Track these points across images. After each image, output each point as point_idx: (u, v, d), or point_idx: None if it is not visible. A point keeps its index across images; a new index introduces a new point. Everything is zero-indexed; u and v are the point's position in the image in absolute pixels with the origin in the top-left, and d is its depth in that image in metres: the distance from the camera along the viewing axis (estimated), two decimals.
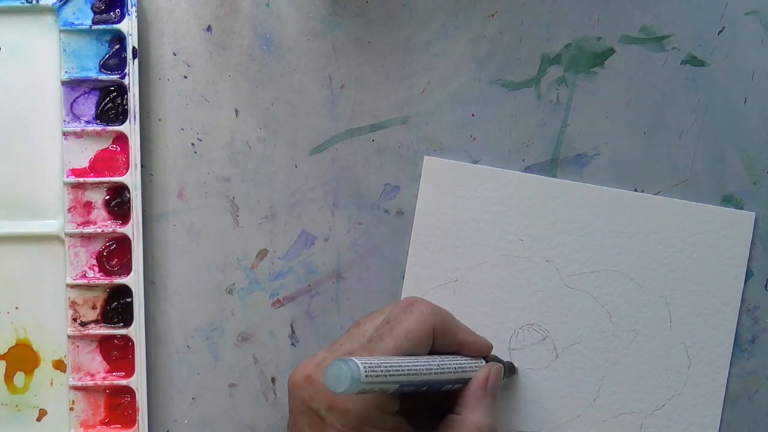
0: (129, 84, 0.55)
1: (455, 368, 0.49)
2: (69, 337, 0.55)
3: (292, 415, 0.48)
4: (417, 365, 0.46)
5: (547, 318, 0.55)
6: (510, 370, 0.54)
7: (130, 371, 0.55)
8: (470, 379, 0.50)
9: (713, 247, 0.55)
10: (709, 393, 0.54)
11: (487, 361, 0.51)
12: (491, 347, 0.52)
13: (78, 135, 0.56)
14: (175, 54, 0.57)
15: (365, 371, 0.42)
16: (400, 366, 0.45)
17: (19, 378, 0.56)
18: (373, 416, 0.46)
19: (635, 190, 0.55)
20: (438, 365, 0.47)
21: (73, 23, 0.56)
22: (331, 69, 0.56)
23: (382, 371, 0.43)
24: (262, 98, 0.56)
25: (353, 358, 0.42)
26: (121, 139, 0.56)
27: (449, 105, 0.56)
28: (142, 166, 0.56)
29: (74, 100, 0.56)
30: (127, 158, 0.55)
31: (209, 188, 0.56)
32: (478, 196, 0.56)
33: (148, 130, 0.56)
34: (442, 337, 0.49)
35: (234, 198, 0.56)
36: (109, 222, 0.56)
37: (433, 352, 0.49)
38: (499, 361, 0.52)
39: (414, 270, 0.56)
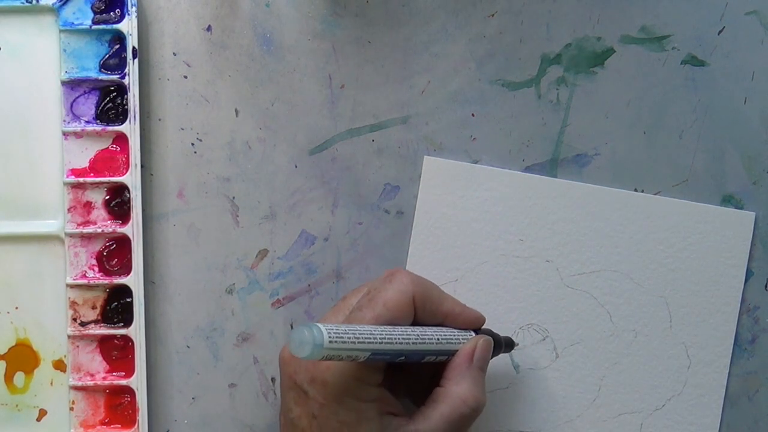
0: (129, 84, 0.55)
1: (438, 339, 0.48)
2: (69, 337, 0.55)
3: (282, 393, 0.49)
4: (392, 334, 0.46)
5: (547, 318, 0.55)
6: (508, 345, 0.53)
7: (130, 371, 0.55)
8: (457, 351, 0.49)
9: (713, 247, 0.55)
10: (709, 393, 0.54)
11: (477, 333, 0.51)
12: (483, 320, 0.51)
13: (78, 135, 0.56)
14: (175, 54, 0.57)
15: (329, 337, 0.42)
16: (371, 334, 0.44)
17: (19, 378, 0.56)
18: (352, 387, 0.46)
19: (635, 190, 0.55)
20: (417, 335, 0.47)
21: (73, 23, 0.56)
22: (331, 69, 0.56)
23: (348, 338, 0.43)
24: (262, 98, 0.56)
25: (317, 324, 0.42)
26: (121, 139, 0.56)
27: (449, 105, 0.56)
28: (142, 166, 0.56)
29: (74, 100, 0.56)
30: (127, 158, 0.55)
31: (209, 188, 0.56)
32: (478, 196, 0.56)
33: (148, 130, 0.56)
34: (424, 308, 0.49)
35: (234, 198, 0.56)
36: (109, 222, 0.56)
37: (417, 322, 0.49)
38: (493, 334, 0.52)
39: (414, 270, 0.56)
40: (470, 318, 0.51)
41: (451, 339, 0.49)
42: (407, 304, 0.48)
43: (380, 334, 0.45)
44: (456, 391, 0.48)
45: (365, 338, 0.44)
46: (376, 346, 0.45)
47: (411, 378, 0.50)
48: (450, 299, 0.51)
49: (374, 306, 0.47)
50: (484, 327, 0.52)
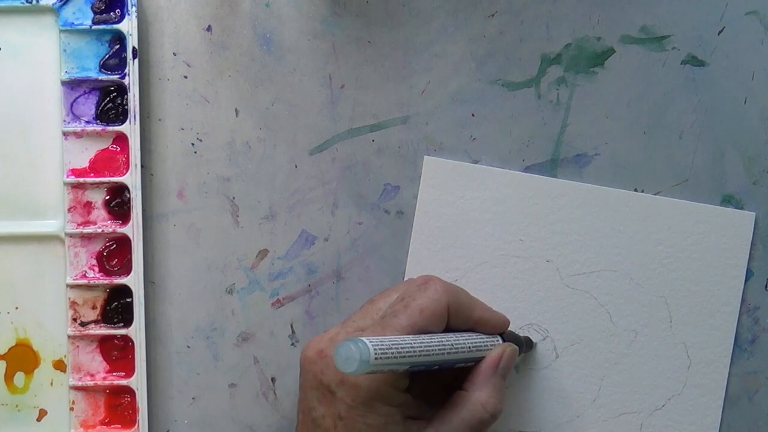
0: (129, 84, 0.55)
1: (469, 347, 0.48)
2: (69, 337, 0.55)
3: (303, 390, 0.48)
4: (430, 346, 0.46)
5: (547, 318, 0.55)
6: (527, 345, 0.54)
7: (130, 371, 0.55)
8: (483, 357, 0.49)
9: (713, 247, 0.55)
10: (709, 393, 0.54)
11: (503, 338, 0.51)
12: (508, 323, 0.52)
13: (78, 135, 0.56)
14: (175, 54, 0.57)
15: (375, 353, 0.42)
16: (411, 347, 0.45)
17: (19, 378, 0.56)
18: (383, 392, 0.46)
19: (635, 190, 0.55)
20: (452, 345, 0.47)
21: (73, 23, 0.56)
22: (331, 69, 0.56)
23: (392, 353, 0.43)
24: (262, 98, 0.56)
25: (364, 339, 0.42)
26: (121, 139, 0.56)
27: (449, 105, 0.56)
28: (142, 166, 0.56)
29: (74, 100, 0.56)
30: (127, 158, 0.55)
31: (209, 188, 0.56)
32: (478, 196, 0.56)
33: (148, 130, 0.56)
34: (457, 315, 0.49)
35: (234, 198, 0.56)
36: (109, 222, 0.56)
37: (448, 328, 0.49)
38: (515, 336, 0.52)
39: (414, 270, 0.56)
40: (498, 323, 0.51)
41: (480, 345, 0.49)
42: (442, 312, 0.48)
43: (419, 347, 0.45)
44: (478, 396, 0.49)
45: (406, 352, 0.44)
46: (415, 359, 0.45)
47: (429, 381, 0.50)
48: (479, 305, 0.51)
49: (410, 313, 0.47)
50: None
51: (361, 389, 0.46)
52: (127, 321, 0.55)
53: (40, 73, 0.56)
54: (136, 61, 0.55)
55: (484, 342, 0.50)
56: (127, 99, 0.55)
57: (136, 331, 0.55)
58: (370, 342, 0.42)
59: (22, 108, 0.56)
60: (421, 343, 0.45)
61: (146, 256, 0.56)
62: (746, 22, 0.55)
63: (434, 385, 0.51)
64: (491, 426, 0.49)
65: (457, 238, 0.56)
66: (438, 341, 0.47)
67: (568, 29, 0.56)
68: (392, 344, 0.43)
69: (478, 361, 0.49)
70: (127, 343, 0.55)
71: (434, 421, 0.48)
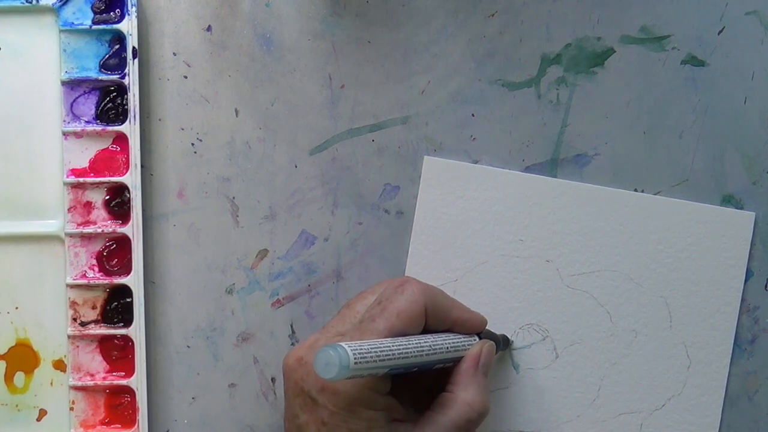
0: (129, 84, 0.55)
1: (447, 348, 0.49)
2: (69, 337, 0.55)
3: (286, 397, 0.48)
4: (408, 348, 0.46)
5: (547, 318, 0.55)
6: (504, 342, 0.54)
7: (130, 371, 0.55)
8: (462, 356, 0.50)
9: (713, 247, 0.55)
10: (709, 393, 0.54)
11: (480, 338, 0.51)
12: (485, 323, 0.52)
13: (78, 135, 0.56)
14: (175, 54, 0.57)
15: (354, 358, 0.42)
16: (390, 350, 0.45)
17: (19, 378, 0.56)
18: (364, 397, 0.46)
19: (635, 190, 0.55)
20: (430, 346, 0.47)
21: (73, 23, 0.56)
22: (331, 69, 0.56)
23: (372, 357, 0.43)
24: (262, 98, 0.56)
25: (343, 344, 0.42)
26: (121, 139, 0.56)
27: (449, 105, 0.56)
28: (142, 166, 0.56)
29: (74, 100, 0.56)
30: (127, 158, 0.55)
31: (209, 188, 0.56)
32: (478, 196, 0.56)
33: (148, 130, 0.56)
34: (434, 316, 0.49)
35: (234, 198, 0.56)
36: (109, 222, 0.56)
37: (426, 329, 0.49)
38: (492, 336, 0.52)
39: (414, 270, 0.56)
40: (476, 323, 0.51)
41: (458, 345, 0.49)
42: (419, 314, 0.48)
43: (398, 349, 0.45)
44: (463, 396, 0.48)
45: (385, 355, 0.44)
46: (395, 362, 0.45)
47: (406, 383, 0.50)
48: (457, 305, 0.51)
49: (388, 316, 0.47)
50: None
51: (341, 395, 0.46)
52: (127, 321, 0.55)
53: (40, 73, 0.56)
54: (136, 61, 0.55)
55: (461, 342, 0.50)
56: (127, 99, 0.55)
57: (136, 331, 0.55)
58: (349, 347, 0.42)
59: (22, 108, 0.56)
60: (399, 345, 0.46)
61: (146, 256, 0.56)
62: (746, 22, 0.55)
63: (418, 387, 0.51)
64: (481, 425, 0.49)
65: (457, 238, 0.56)
66: (416, 343, 0.47)
67: (568, 29, 0.56)
68: (371, 348, 0.44)
69: (457, 361, 0.49)
70: (127, 343, 0.55)
71: (421, 424, 0.48)
